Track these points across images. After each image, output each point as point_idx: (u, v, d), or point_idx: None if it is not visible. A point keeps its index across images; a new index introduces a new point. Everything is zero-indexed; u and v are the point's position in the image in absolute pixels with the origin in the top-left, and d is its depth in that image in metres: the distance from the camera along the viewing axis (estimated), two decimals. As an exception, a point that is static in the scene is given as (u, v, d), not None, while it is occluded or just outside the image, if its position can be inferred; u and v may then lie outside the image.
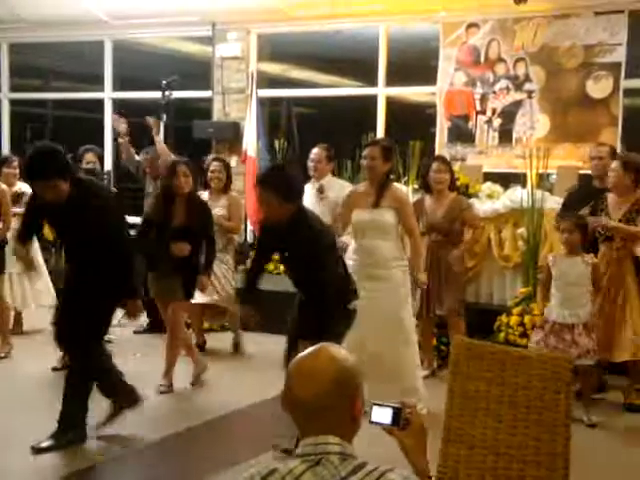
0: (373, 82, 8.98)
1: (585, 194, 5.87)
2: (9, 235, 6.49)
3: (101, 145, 9.36)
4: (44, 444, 4.38)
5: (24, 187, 7.33)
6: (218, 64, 9.39)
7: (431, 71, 8.38)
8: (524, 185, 7.25)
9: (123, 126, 7.05)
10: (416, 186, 7.20)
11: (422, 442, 1.87)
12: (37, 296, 7.00)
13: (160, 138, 7.13)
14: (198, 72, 9.81)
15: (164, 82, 8.27)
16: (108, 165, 9.64)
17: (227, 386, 5.86)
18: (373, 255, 5.08)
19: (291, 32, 9.31)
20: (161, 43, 10.57)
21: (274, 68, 10.15)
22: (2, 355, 6.50)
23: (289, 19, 8.80)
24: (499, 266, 6.99)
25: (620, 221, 5.40)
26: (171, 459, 4.51)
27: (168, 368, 5.72)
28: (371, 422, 1.88)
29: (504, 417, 1.68)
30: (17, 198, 7.14)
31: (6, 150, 10.38)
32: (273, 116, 9.95)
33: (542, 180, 7.08)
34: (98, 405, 4.63)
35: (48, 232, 8.55)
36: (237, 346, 6.93)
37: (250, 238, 8.56)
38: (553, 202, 6.87)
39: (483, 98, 8.14)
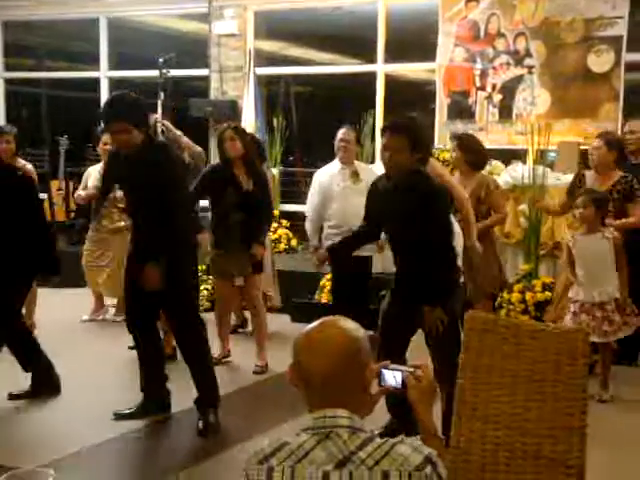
0: (372, 59, 8.92)
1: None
2: None
3: (94, 124, 9.28)
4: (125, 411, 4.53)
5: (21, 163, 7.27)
6: (215, 42, 9.32)
7: (430, 47, 8.31)
8: (525, 161, 7.21)
9: (155, 116, 6.88)
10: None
11: (431, 400, 1.86)
12: None
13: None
14: (195, 50, 9.73)
15: (161, 60, 8.18)
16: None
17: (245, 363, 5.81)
18: None
19: (289, 9, 9.22)
20: (157, 21, 10.48)
21: (271, 45, 10.07)
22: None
23: (286, -5, 8.73)
24: (500, 243, 6.95)
25: None
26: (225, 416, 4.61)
27: (260, 348, 5.62)
28: (381, 385, 1.86)
29: (519, 391, 1.65)
30: None
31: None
32: (271, 94, 9.88)
33: (543, 156, 7.03)
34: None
35: (46, 212, 8.54)
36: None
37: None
38: (554, 178, 6.82)
39: (483, 74, 8.08)
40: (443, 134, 8.01)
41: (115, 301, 7.05)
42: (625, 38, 7.39)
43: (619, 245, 5.04)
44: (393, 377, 1.86)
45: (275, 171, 8.82)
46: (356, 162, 5.97)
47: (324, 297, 6.90)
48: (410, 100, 9.27)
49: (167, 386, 4.67)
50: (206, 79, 9.47)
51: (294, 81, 10.27)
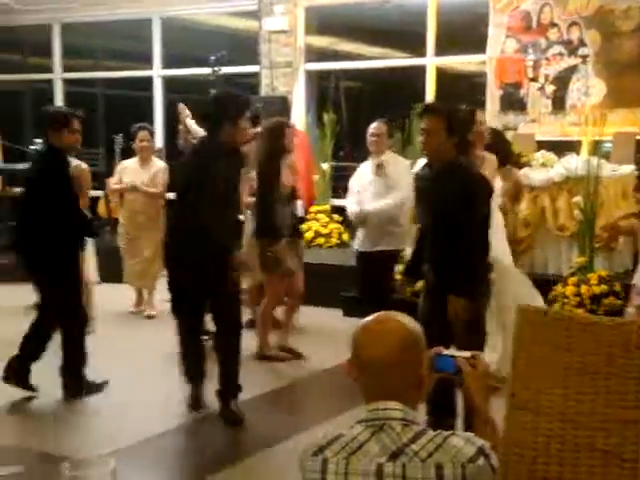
0: (422, 52, 8.87)
1: None
2: None
3: (151, 122, 9.42)
4: None
5: (74, 162, 7.42)
6: (265, 38, 9.37)
7: (481, 39, 8.23)
8: (579, 153, 7.10)
9: (186, 114, 6.99)
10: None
11: (485, 386, 1.86)
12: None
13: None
14: (246, 47, 9.80)
15: (212, 58, 8.27)
16: (159, 142, 9.71)
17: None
18: None
19: (338, 4, 9.23)
20: (208, 19, 10.59)
21: (321, 41, 10.09)
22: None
23: (336, -10, 8.74)
24: (554, 236, 6.87)
25: None
26: (262, 414, 4.74)
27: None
28: (435, 371, 1.87)
29: (571, 384, 1.64)
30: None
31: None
32: (321, 90, 9.90)
33: (598, 147, 6.91)
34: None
35: (102, 209, 8.72)
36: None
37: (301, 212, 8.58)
38: (609, 170, 6.71)
39: (535, 65, 7.97)
40: (495, 127, 7.92)
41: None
42: (682, 25, 7.23)
43: None
44: (447, 363, 1.87)
45: (326, 166, 8.85)
46: (388, 154, 6.01)
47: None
48: (460, 93, 9.19)
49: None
50: (257, 76, 9.54)
51: (344, 76, 10.28)
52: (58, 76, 11.03)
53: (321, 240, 8.42)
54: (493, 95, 8.18)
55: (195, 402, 4.64)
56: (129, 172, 7.06)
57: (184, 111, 6.81)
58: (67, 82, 11.15)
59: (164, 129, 10.24)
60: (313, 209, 8.60)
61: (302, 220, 6.52)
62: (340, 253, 8.06)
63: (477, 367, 1.87)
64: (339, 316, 6.89)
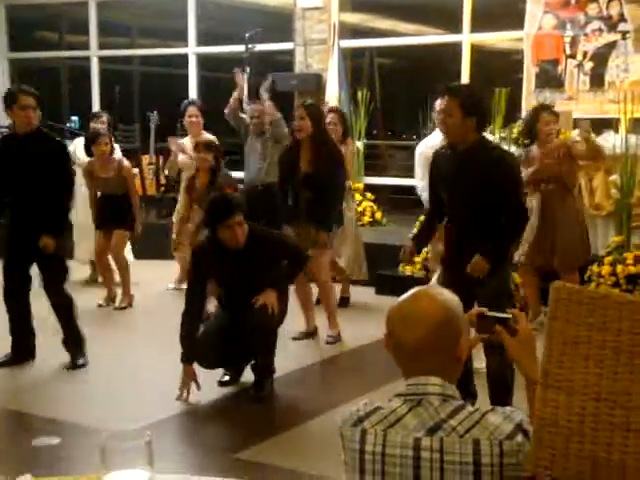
0: (458, 29, 8.77)
1: None
2: None
3: (183, 100, 9.44)
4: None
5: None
6: (299, 15, 9.33)
7: (518, 15, 8.11)
8: (617, 131, 6.99)
9: (241, 79, 6.99)
10: (503, 135, 7.03)
11: (531, 349, 1.86)
12: None
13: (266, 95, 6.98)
14: (280, 24, 9.77)
15: (247, 35, 8.27)
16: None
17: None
18: None
19: (373, -20, 9.16)
20: (242, -4, 10.58)
21: (355, 18, 10.03)
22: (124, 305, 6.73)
23: (371, -34, 8.66)
24: (590, 215, 6.79)
25: None
26: (296, 391, 4.82)
27: (330, 317, 5.69)
28: (478, 332, 1.87)
29: (606, 363, 1.63)
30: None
31: (96, 108, 10.62)
32: (356, 67, 9.85)
33: (636, 125, 6.80)
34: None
35: (137, 186, 8.78)
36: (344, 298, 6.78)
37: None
38: (648, 148, 6.60)
39: (573, 41, 7.84)
40: (531, 104, 7.83)
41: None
42: None
43: None
44: (488, 324, 1.86)
45: (359, 144, 8.82)
46: None
47: (409, 269, 6.90)
48: (496, 70, 9.08)
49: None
50: (291, 53, 9.52)
51: (378, 53, 10.21)
52: (94, 53, 11.10)
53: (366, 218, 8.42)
54: (529, 72, 8.07)
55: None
56: (186, 149, 7.07)
57: (240, 78, 6.81)
58: (103, 60, 11.21)
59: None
60: (347, 187, 8.58)
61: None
62: (372, 231, 8.05)
63: (519, 330, 1.87)
64: (372, 294, 6.90)
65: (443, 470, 1.68)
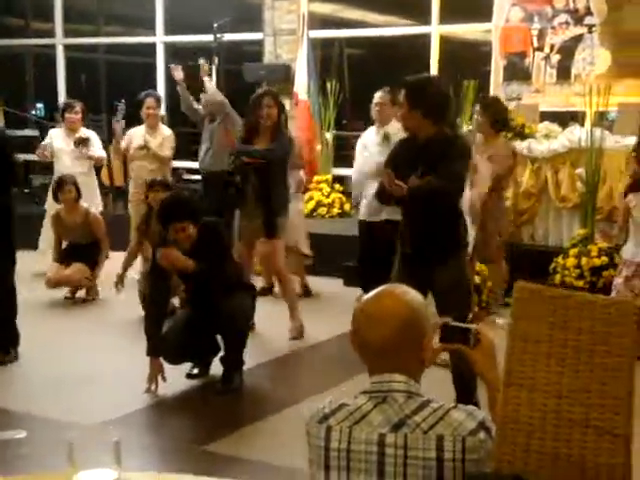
0: (427, 20, 8.80)
1: None
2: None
3: (151, 89, 9.37)
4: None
5: (87, 132, 7.46)
6: (269, 5, 9.30)
7: (486, 7, 8.16)
8: (583, 124, 7.08)
9: (180, 73, 6.99)
10: (471, 127, 7.08)
11: (491, 358, 1.90)
12: None
13: (210, 80, 7.02)
14: (249, 14, 9.73)
15: (215, 25, 8.23)
16: (162, 109, 9.67)
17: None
18: None
19: (342, -30, 9.14)
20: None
21: (325, 8, 10.02)
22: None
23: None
24: (556, 207, 6.88)
25: None
26: (263, 385, 4.82)
27: (291, 309, 5.61)
28: (441, 341, 1.90)
29: (567, 361, 1.66)
30: (82, 143, 7.26)
31: (62, 97, 10.50)
32: (325, 57, 9.84)
33: (602, 118, 6.89)
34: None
35: (105, 176, 8.73)
36: (307, 288, 6.78)
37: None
38: (613, 141, 6.70)
39: (541, 34, 7.91)
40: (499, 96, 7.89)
41: None
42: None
43: None
44: (452, 334, 1.90)
45: (328, 135, 8.83)
46: (394, 124, 5.90)
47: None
48: (465, 62, 9.13)
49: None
50: (260, 43, 9.48)
51: (348, 44, 10.21)
52: (60, 41, 10.96)
53: (323, 210, 8.43)
54: (497, 65, 8.13)
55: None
56: (138, 139, 7.06)
57: (204, 69, 6.82)
58: (69, 47, 11.08)
59: (166, 96, 10.19)
60: (315, 179, 8.60)
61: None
62: (342, 223, 8.08)
63: (482, 340, 1.91)
64: (340, 285, 6.93)
65: (406, 466, 1.71)
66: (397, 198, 3.92)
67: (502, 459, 1.70)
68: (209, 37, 8.42)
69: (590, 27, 7.68)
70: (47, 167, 8.07)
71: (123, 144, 7.24)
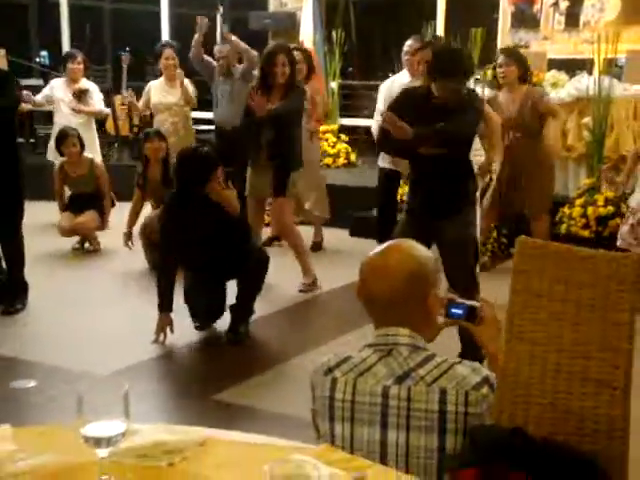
0: (434, -34, 8.65)
1: None
2: None
3: (158, 39, 9.29)
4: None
5: (88, 84, 7.42)
6: (274, -49, 9.14)
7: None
8: (591, 72, 6.99)
9: (205, 26, 6.84)
10: (477, 76, 6.99)
11: (494, 331, 1.93)
12: None
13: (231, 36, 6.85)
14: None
15: (220, -28, 8.09)
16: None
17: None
18: None
19: None
20: None
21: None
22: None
23: None
24: (562, 157, 6.84)
25: None
26: (271, 335, 4.88)
27: (303, 264, 5.59)
28: (447, 316, 1.94)
29: (567, 315, 1.69)
30: (81, 94, 7.22)
31: (66, 46, 10.40)
32: (330, 5, 9.69)
33: (610, 66, 6.80)
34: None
35: (110, 126, 8.71)
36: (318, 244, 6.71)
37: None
38: (622, 89, 6.62)
39: (550, -20, 7.77)
40: (506, 44, 7.79)
41: None
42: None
43: None
44: (458, 310, 1.94)
45: (334, 85, 8.75)
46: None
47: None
48: (472, 9, 8.99)
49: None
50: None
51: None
52: (63, -11, 10.82)
53: (329, 160, 8.40)
54: (505, 12, 8.00)
55: None
56: (157, 92, 7.00)
57: (203, 22, 6.71)
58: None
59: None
60: (321, 129, 8.54)
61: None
62: (347, 173, 8.06)
63: (486, 316, 1.94)
64: (346, 236, 6.95)
65: (409, 418, 1.75)
66: (400, 144, 3.85)
67: (502, 412, 1.73)
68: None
69: (600, -28, 7.54)
70: (51, 117, 8.05)
71: (140, 103, 7.19)
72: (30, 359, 4.33)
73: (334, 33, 8.66)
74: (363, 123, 9.50)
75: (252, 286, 4.64)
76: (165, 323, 4.54)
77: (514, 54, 5.87)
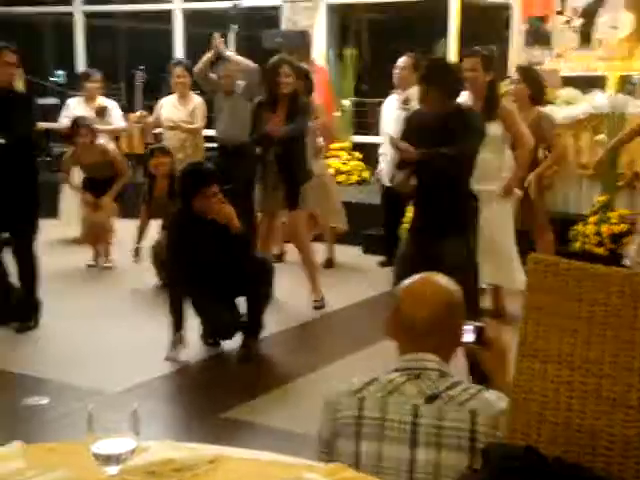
0: (446, -16, 8.67)
1: None
2: None
3: (169, 57, 9.33)
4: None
5: (107, 101, 7.47)
6: (287, -30, 9.19)
7: (508, -30, 8.03)
8: (604, 89, 6.98)
9: (221, 43, 6.86)
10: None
11: (504, 360, 1.92)
12: None
13: (232, 52, 6.92)
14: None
15: (233, -8, 8.16)
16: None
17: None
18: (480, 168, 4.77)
19: None
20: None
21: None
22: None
23: None
24: (576, 174, 6.82)
25: None
26: (281, 352, 4.90)
27: (312, 281, 5.58)
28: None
29: (580, 333, 1.67)
30: (101, 112, 7.28)
31: (81, 65, 10.49)
32: (343, 24, 9.74)
33: (624, 83, 6.78)
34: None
35: (125, 145, 8.76)
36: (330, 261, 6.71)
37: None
38: (635, 106, 6.61)
39: (563, -3, 7.77)
40: (519, 62, 7.79)
41: None
42: None
43: None
44: (466, 332, 1.94)
45: (347, 102, 8.77)
46: (414, 89, 5.84)
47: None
48: (485, 26, 9.01)
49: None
50: (277, 9, 9.39)
51: (366, 9, 10.09)
52: (78, 8, 10.92)
53: (342, 177, 8.40)
54: (518, 29, 8.01)
55: None
56: (167, 109, 7.05)
57: (221, 43, 6.74)
58: (88, 15, 11.03)
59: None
60: (334, 146, 8.56)
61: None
62: (360, 190, 8.06)
63: (494, 342, 1.93)
64: (359, 254, 6.94)
65: (440, 436, 1.74)
66: (408, 164, 3.97)
67: (515, 430, 1.71)
68: (228, 3, 8.36)
69: (613, -10, 7.53)
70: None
71: (151, 118, 7.26)
72: (42, 376, 4.34)
73: (347, 51, 8.70)
74: (376, 140, 9.54)
75: (259, 298, 4.64)
76: (178, 341, 4.54)
77: (525, 72, 5.80)
